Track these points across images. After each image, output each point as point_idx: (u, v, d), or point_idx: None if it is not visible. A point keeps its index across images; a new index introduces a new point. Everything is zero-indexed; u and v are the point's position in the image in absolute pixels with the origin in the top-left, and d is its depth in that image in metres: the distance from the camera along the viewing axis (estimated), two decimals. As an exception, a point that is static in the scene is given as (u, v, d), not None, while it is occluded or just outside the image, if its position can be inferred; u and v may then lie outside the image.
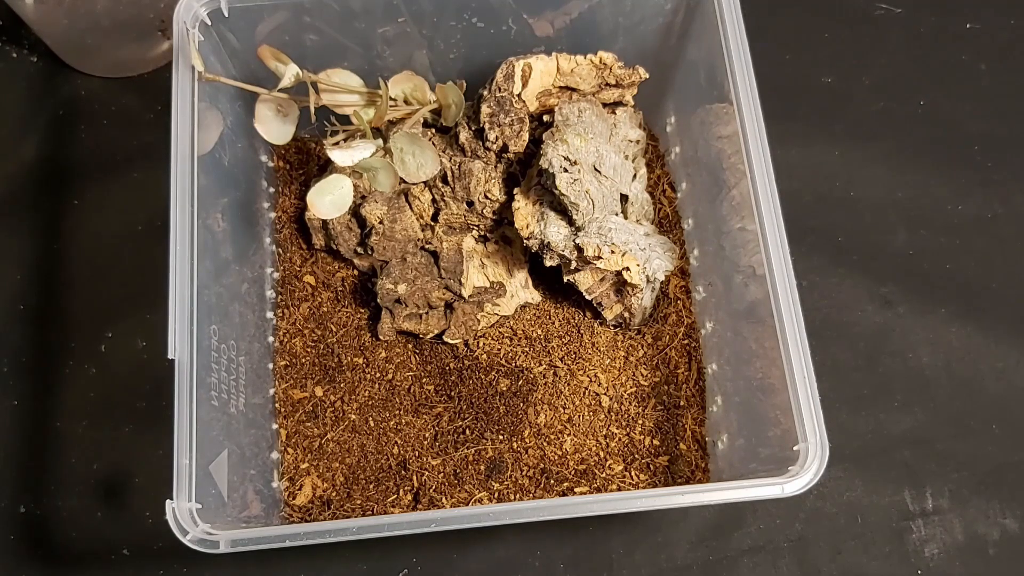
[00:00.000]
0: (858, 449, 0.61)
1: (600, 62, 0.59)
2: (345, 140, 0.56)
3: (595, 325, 0.62)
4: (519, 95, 0.58)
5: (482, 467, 0.58)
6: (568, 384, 0.60)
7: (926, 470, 0.61)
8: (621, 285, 0.58)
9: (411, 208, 0.61)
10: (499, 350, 0.61)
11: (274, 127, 0.57)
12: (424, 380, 0.61)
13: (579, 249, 0.55)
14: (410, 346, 0.62)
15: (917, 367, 0.64)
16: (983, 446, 0.62)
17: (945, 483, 0.61)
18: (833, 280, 0.66)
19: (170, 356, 0.47)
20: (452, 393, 0.60)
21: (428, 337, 0.61)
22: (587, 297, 0.59)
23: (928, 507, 0.60)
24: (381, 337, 0.60)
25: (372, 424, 0.60)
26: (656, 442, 0.59)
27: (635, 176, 0.61)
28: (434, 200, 0.62)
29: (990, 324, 0.65)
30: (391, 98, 0.58)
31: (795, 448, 0.45)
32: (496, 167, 0.60)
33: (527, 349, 0.61)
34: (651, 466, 0.58)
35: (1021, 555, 0.59)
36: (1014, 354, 0.64)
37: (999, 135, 0.71)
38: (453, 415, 0.59)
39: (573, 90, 0.60)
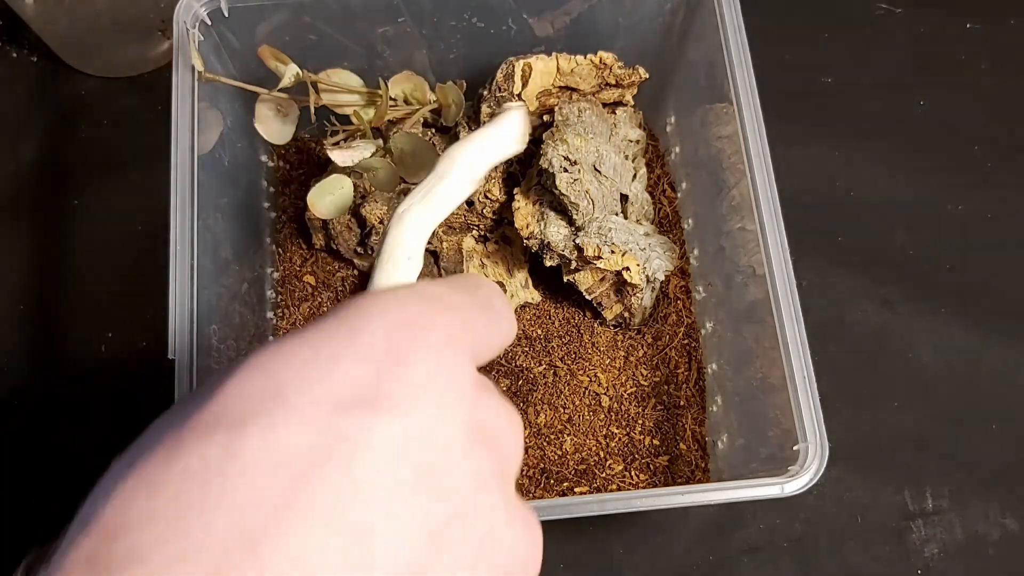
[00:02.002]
0: (858, 449, 0.61)
1: (600, 62, 0.59)
2: (345, 140, 0.56)
3: (595, 325, 0.62)
4: (519, 95, 0.58)
5: (482, 467, 0.58)
6: (568, 384, 0.60)
7: (926, 470, 0.61)
8: (621, 285, 0.58)
9: (411, 208, 0.61)
10: (499, 350, 0.61)
11: (274, 127, 0.57)
12: (424, 380, 0.61)
13: (579, 249, 0.55)
14: (410, 346, 0.62)
15: (917, 367, 0.64)
16: (983, 446, 0.62)
17: (945, 483, 0.61)
18: (833, 280, 0.66)
19: (170, 356, 0.46)
20: (452, 393, 0.60)
21: (428, 337, 0.61)
22: (587, 297, 0.59)
23: (928, 507, 0.60)
24: (381, 337, 0.60)
25: (372, 424, 0.60)
26: (656, 442, 0.59)
27: (635, 176, 0.61)
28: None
29: (990, 324, 0.65)
30: (391, 98, 0.58)
31: (795, 448, 0.45)
32: (496, 167, 0.60)
33: (527, 349, 0.61)
34: (651, 466, 0.58)
35: (1021, 555, 0.59)
36: (1014, 354, 0.64)
37: (999, 135, 0.71)
38: (453, 415, 0.59)
39: (573, 90, 0.60)
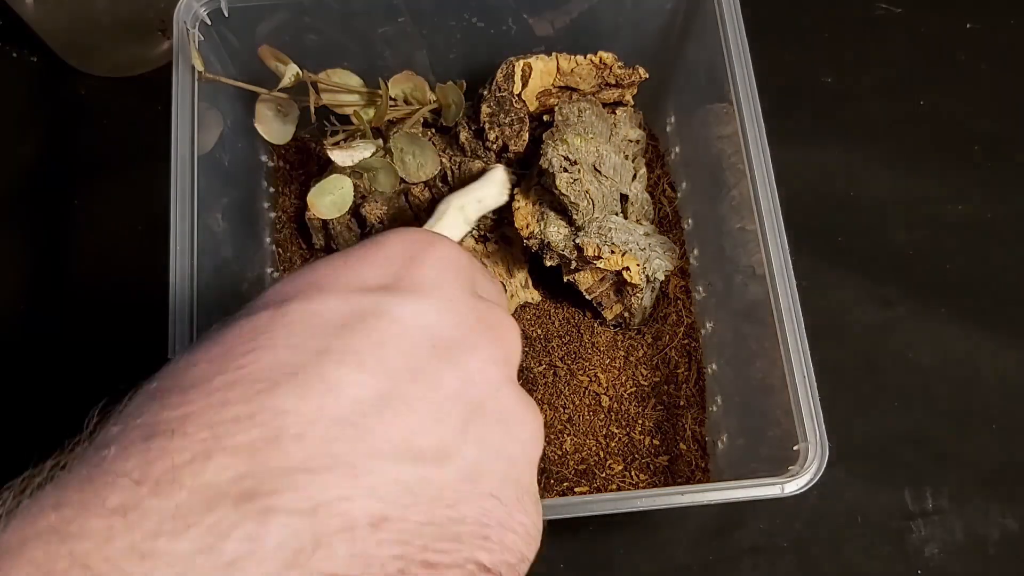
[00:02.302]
0: (858, 449, 0.61)
1: (600, 62, 0.59)
2: (345, 140, 0.56)
3: (595, 325, 0.62)
4: (519, 95, 0.58)
5: (482, 467, 0.58)
6: (568, 384, 0.60)
7: (926, 470, 0.61)
8: (621, 285, 0.58)
9: (411, 208, 0.61)
10: (499, 350, 0.61)
11: (274, 127, 0.57)
12: (424, 380, 0.61)
13: (579, 249, 0.55)
14: (410, 346, 0.62)
15: (917, 367, 0.64)
16: (983, 446, 0.62)
17: (945, 483, 0.61)
18: (833, 280, 0.66)
19: (170, 356, 0.46)
20: (452, 393, 0.60)
21: (428, 337, 0.61)
22: (587, 297, 0.59)
23: (928, 507, 0.60)
24: (381, 337, 0.60)
25: (372, 424, 0.60)
26: (656, 442, 0.59)
27: (635, 176, 0.61)
28: (434, 200, 0.62)
29: (990, 324, 0.65)
30: (391, 98, 0.58)
31: (795, 448, 0.45)
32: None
33: (527, 349, 0.61)
34: (651, 466, 0.58)
35: (1021, 555, 0.59)
36: (1014, 354, 0.64)
37: (999, 135, 0.71)
38: (453, 415, 0.59)
39: (573, 90, 0.60)
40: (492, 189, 0.56)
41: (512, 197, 0.57)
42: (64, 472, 0.23)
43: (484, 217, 0.61)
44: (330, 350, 0.26)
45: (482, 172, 0.59)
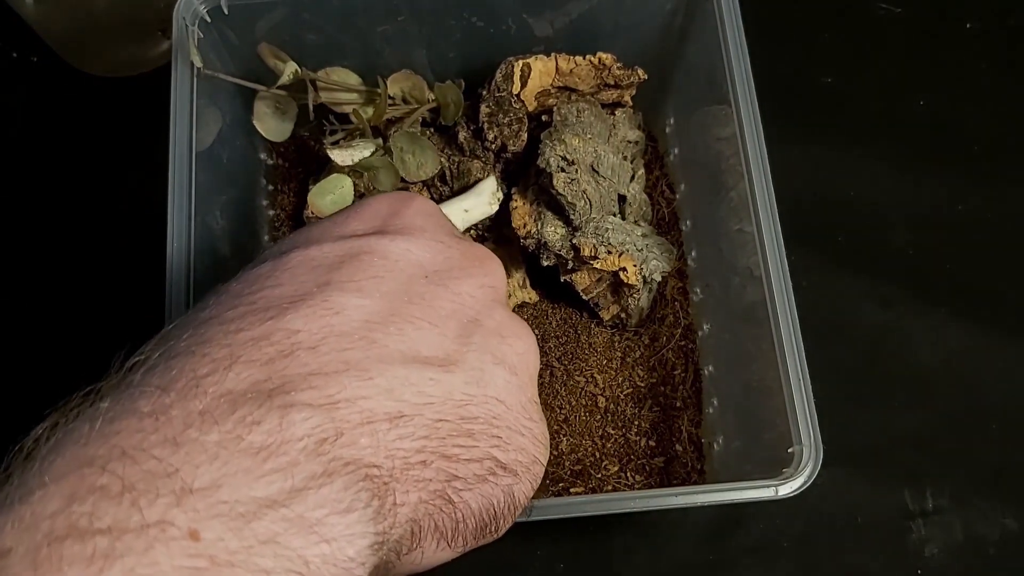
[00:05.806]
0: (858, 449, 0.61)
1: (599, 63, 0.59)
2: (344, 139, 0.56)
3: (592, 326, 0.61)
4: (518, 95, 0.58)
5: (480, 467, 0.58)
6: (565, 384, 0.60)
7: (926, 470, 0.61)
8: (618, 286, 0.58)
9: (410, 207, 0.61)
10: (497, 350, 0.61)
11: (273, 125, 0.58)
12: (422, 379, 0.60)
13: (575, 248, 0.55)
14: (408, 345, 0.61)
15: (917, 367, 0.64)
16: (983, 446, 0.62)
17: (945, 483, 0.61)
18: (833, 280, 0.66)
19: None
20: (450, 392, 0.60)
21: (426, 336, 0.61)
22: (584, 297, 0.58)
23: (928, 507, 0.60)
24: (379, 336, 0.60)
25: (370, 423, 0.59)
26: (652, 443, 0.59)
27: (633, 177, 0.61)
28: (432, 200, 0.62)
29: (990, 324, 0.65)
30: (390, 97, 0.58)
31: (789, 450, 0.45)
32: (495, 167, 0.60)
33: (524, 349, 0.61)
34: (647, 467, 0.58)
35: (1021, 555, 0.59)
36: (1014, 354, 0.64)
37: (999, 135, 0.70)
38: (451, 415, 0.59)
39: (572, 90, 0.60)
40: (479, 200, 0.58)
41: (501, 206, 0.57)
42: (98, 397, 0.26)
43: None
44: (330, 282, 0.29)
45: (476, 182, 0.59)
